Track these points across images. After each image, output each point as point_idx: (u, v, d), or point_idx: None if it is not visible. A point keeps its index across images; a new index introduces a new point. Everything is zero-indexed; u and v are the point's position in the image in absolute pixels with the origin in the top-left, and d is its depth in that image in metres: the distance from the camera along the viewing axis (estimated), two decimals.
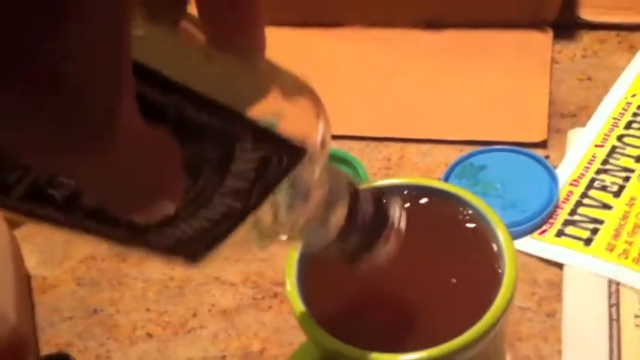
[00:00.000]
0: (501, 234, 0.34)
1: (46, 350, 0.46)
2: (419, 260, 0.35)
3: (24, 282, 0.49)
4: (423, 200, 0.37)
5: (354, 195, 0.29)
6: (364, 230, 0.30)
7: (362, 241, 0.30)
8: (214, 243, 0.25)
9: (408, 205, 0.37)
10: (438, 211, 0.36)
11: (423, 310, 0.33)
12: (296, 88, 0.27)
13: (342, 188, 0.29)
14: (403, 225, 0.31)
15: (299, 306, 0.33)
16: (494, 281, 0.33)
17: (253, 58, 0.25)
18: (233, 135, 0.23)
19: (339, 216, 0.29)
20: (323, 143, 0.27)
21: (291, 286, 0.34)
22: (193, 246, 0.25)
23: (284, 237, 0.28)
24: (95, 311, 0.48)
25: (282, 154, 0.24)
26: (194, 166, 0.22)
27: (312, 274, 0.35)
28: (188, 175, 0.22)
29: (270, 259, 0.49)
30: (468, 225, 0.36)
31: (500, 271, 0.33)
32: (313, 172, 0.27)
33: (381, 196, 0.31)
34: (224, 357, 0.45)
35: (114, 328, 0.47)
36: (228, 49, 0.24)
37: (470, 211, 0.36)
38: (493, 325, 0.31)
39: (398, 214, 0.31)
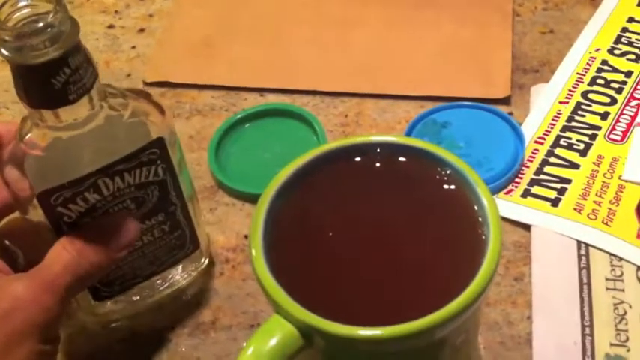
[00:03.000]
0: (484, 197, 0.32)
1: None
2: (395, 225, 0.32)
3: None
4: (398, 160, 0.34)
5: None
6: None
7: None
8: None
9: (381, 164, 0.34)
10: (414, 172, 0.33)
11: (402, 278, 0.31)
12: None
13: None
14: None
15: (266, 275, 0.30)
16: (477, 248, 0.30)
17: None
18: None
19: None
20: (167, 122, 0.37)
21: (256, 253, 0.30)
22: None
23: None
24: None
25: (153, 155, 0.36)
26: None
27: (280, 237, 0.31)
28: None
29: (220, 223, 0.46)
30: (448, 187, 0.33)
31: (484, 237, 0.31)
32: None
33: None
34: (172, 328, 0.41)
35: None
36: None
37: (449, 172, 0.33)
38: (478, 296, 0.29)
39: None
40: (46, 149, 0.33)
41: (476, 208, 0.32)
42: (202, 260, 0.43)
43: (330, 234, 0.32)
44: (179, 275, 0.42)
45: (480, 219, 0.31)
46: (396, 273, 0.31)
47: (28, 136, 0.34)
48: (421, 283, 0.31)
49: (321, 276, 0.31)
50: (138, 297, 0.41)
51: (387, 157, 0.34)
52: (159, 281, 0.41)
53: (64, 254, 0.34)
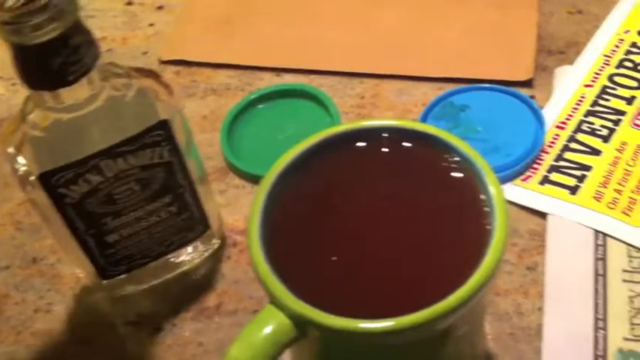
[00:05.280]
0: (492, 186, 0.30)
1: None
2: (398, 213, 0.31)
3: None
4: (404, 145, 0.33)
5: None
6: None
7: None
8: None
9: (386, 150, 0.33)
10: (420, 158, 0.32)
11: (401, 269, 0.30)
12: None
13: None
14: None
15: (261, 263, 0.29)
16: (482, 239, 0.29)
17: None
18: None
19: None
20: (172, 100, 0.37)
21: (253, 240, 0.30)
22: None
23: None
24: (35, 260, 0.44)
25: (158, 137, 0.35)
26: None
27: (279, 224, 0.31)
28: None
29: (230, 205, 0.45)
30: (454, 174, 0.32)
31: (488, 227, 0.30)
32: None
33: None
34: (177, 312, 0.41)
35: (56, 278, 0.43)
36: None
37: (456, 158, 0.32)
38: (479, 290, 0.28)
39: None
40: (46, 130, 0.33)
41: (483, 197, 0.31)
42: (213, 241, 0.42)
43: (332, 221, 0.31)
44: (189, 256, 0.42)
45: (486, 209, 0.30)
46: (398, 263, 0.30)
47: (30, 116, 0.33)
48: (422, 275, 0.30)
49: (320, 265, 0.30)
50: (149, 276, 0.41)
51: (393, 143, 0.33)
52: (172, 259, 0.41)
53: None
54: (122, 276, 0.40)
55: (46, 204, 0.35)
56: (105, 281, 0.40)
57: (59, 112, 0.33)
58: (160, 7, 0.58)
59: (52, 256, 0.44)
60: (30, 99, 0.33)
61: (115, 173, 0.35)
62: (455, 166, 0.32)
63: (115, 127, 0.34)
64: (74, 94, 0.32)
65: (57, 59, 0.31)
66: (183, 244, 0.40)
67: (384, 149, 0.33)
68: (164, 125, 0.35)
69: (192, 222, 0.40)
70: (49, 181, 0.34)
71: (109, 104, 0.33)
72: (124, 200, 0.36)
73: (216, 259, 0.42)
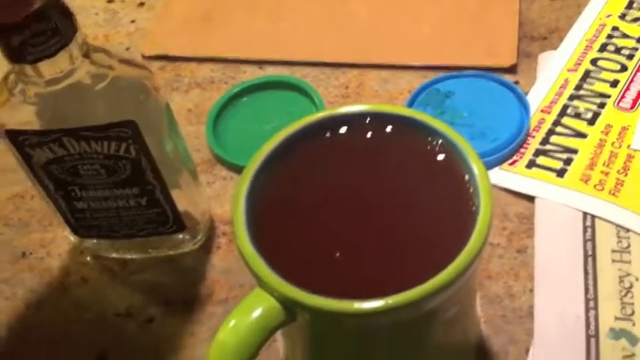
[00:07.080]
0: (476, 167, 0.30)
1: None
2: (384, 196, 0.31)
3: None
4: (388, 129, 0.33)
5: None
6: None
7: None
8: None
9: (370, 134, 0.33)
10: (404, 142, 0.32)
11: (388, 251, 0.30)
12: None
13: None
14: None
15: (247, 247, 0.29)
16: (467, 219, 0.29)
17: None
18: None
19: None
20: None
21: (238, 225, 0.30)
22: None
23: None
24: (24, 255, 0.44)
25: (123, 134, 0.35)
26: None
27: (264, 210, 0.31)
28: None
29: (218, 196, 0.45)
30: (438, 157, 0.32)
31: (474, 208, 0.30)
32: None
33: None
34: (167, 302, 0.41)
35: (45, 272, 0.43)
36: None
37: (440, 141, 0.32)
38: (466, 268, 0.28)
39: None
40: (31, 99, 0.33)
41: (467, 177, 0.31)
42: (199, 237, 0.42)
43: (316, 206, 0.31)
44: (172, 250, 0.42)
45: (471, 189, 0.30)
46: (384, 245, 0.30)
47: (16, 89, 0.34)
48: (409, 256, 0.30)
49: (306, 248, 0.30)
50: (134, 249, 0.42)
51: (377, 128, 0.33)
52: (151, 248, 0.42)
53: None
54: (100, 241, 0.41)
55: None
56: (85, 241, 0.41)
57: (40, 87, 0.33)
58: (141, 4, 0.58)
59: (41, 250, 0.43)
60: (11, 73, 0.33)
61: (79, 152, 0.35)
62: (438, 148, 0.32)
63: (84, 111, 0.34)
64: (54, 67, 0.32)
65: (39, 32, 0.31)
66: (155, 234, 0.40)
67: (367, 134, 0.33)
68: (131, 125, 0.35)
69: (165, 218, 0.39)
70: (15, 139, 0.34)
71: (87, 84, 0.33)
72: (90, 177, 0.36)
73: (205, 249, 0.42)
